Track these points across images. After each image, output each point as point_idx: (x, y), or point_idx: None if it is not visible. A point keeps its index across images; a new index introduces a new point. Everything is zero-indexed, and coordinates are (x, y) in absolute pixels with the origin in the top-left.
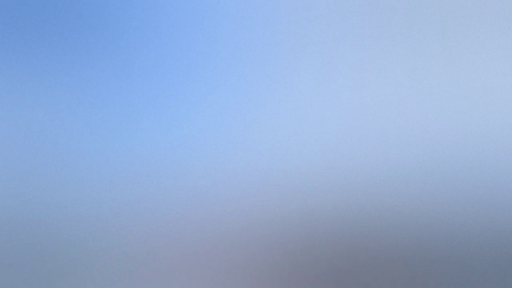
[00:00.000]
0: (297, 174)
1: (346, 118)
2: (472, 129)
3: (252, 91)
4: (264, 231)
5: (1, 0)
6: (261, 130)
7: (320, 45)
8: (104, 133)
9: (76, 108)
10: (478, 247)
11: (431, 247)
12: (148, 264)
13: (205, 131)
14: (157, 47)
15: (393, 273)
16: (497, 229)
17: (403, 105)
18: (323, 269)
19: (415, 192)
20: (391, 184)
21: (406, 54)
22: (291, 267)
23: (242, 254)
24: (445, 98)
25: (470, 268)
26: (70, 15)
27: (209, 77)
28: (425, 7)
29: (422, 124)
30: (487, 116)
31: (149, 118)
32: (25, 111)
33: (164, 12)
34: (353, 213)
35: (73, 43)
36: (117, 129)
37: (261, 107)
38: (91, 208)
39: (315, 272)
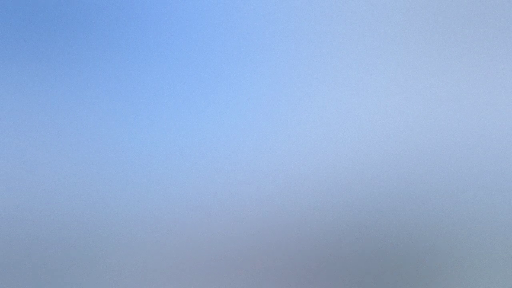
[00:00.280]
0: (297, 174)
1: (346, 118)
2: (472, 129)
3: (252, 91)
4: (264, 231)
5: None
6: (261, 130)
7: (320, 45)
8: (104, 133)
9: (76, 108)
10: (478, 247)
11: (431, 247)
12: (148, 264)
13: (205, 131)
14: (157, 47)
15: (393, 273)
16: (497, 229)
17: (403, 105)
18: (323, 270)
19: (415, 192)
20: (391, 184)
21: (406, 54)
22: (291, 267)
23: (242, 254)
24: (445, 98)
25: (470, 268)
26: (70, 15)
27: (209, 77)
28: (425, 7)
29: (422, 124)
30: (487, 116)
31: (149, 118)
32: (25, 111)
33: (164, 12)
34: (353, 214)
35: (73, 43)
36: (117, 129)
37: (261, 107)
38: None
39: (315, 272)
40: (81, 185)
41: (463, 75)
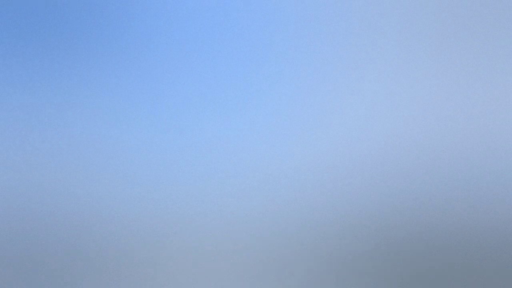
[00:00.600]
0: (297, 175)
1: (346, 118)
2: (472, 130)
3: (252, 91)
4: (264, 231)
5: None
6: (261, 130)
7: (321, 46)
8: (104, 133)
9: (76, 108)
10: (478, 247)
11: (431, 248)
12: (148, 265)
13: (205, 131)
14: (157, 47)
15: (393, 273)
16: (497, 229)
17: (403, 105)
18: (323, 270)
19: (415, 193)
20: (391, 184)
21: (406, 54)
22: (290, 267)
23: (242, 254)
24: (445, 99)
25: (471, 268)
26: (70, 15)
27: (210, 77)
28: (425, 8)
29: (422, 125)
30: (487, 116)
31: (149, 118)
32: (25, 111)
33: (164, 12)
34: (353, 214)
35: (73, 43)
36: (117, 128)
37: (261, 107)
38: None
39: (315, 272)
40: (81, 185)
41: (463, 75)
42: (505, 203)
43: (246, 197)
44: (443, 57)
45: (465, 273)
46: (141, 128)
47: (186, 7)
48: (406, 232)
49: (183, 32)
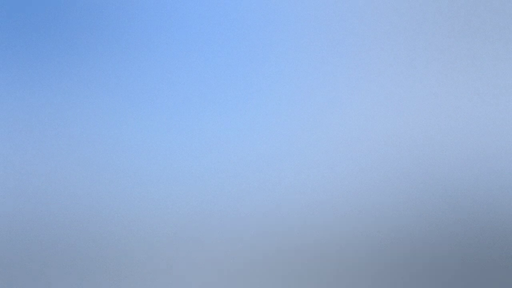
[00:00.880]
0: (297, 175)
1: (346, 119)
2: (472, 130)
3: (252, 91)
4: (264, 231)
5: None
6: (262, 130)
7: (321, 46)
8: (104, 133)
9: (76, 108)
10: (478, 247)
11: (431, 248)
12: (148, 264)
13: (205, 131)
14: (157, 47)
15: (393, 273)
16: (497, 229)
17: (403, 106)
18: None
19: (415, 193)
20: (392, 185)
21: (406, 54)
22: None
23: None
24: (446, 99)
25: (470, 268)
26: (71, 15)
27: (210, 77)
28: (425, 8)
29: (423, 125)
30: (487, 116)
31: (149, 118)
32: (25, 111)
33: (164, 12)
34: (353, 214)
35: (73, 43)
36: (117, 128)
37: (261, 107)
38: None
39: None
40: (81, 184)
41: (463, 75)
42: (505, 203)
43: (246, 197)
44: (443, 57)
45: (465, 273)
46: (141, 128)
47: (186, 7)
48: (406, 232)
49: (183, 32)
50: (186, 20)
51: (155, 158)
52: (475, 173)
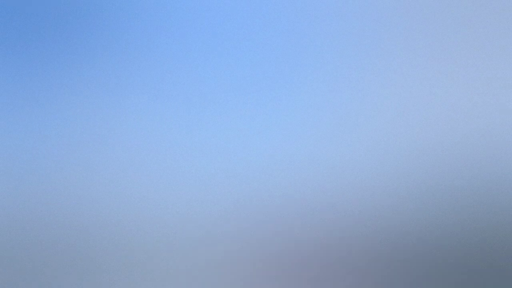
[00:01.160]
0: (297, 175)
1: (346, 119)
2: (472, 130)
3: (252, 91)
4: (263, 231)
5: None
6: (262, 130)
7: (321, 46)
8: (104, 133)
9: (76, 108)
10: (478, 247)
11: (431, 248)
12: (148, 264)
13: (205, 130)
14: (157, 47)
15: (393, 273)
16: (497, 229)
17: (403, 106)
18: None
19: (415, 193)
20: (392, 185)
21: (406, 54)
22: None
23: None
24: (445, 99)
25: (470, 268)
26: (71, 15)
27: (210, 77)
28: (425, 8)
29: (423, 125)
30: (487, 116)
31: (149, 118)
32: (25, 111)
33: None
34: (354, 213)
35: (73, 43)
36: (117, 128)
37: (261, 107)
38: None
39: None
40: (81, 184)
41: (463, 75)
42: (505, 203)
43: (247, 197)
44: (443, 57)
45: (465, 273)
46: (141, 128)
47: (186, 7)
48: (406, 232)
49: (183, 32)
50: (186, 20)
51: (155, 158)
52: (475, 173)
